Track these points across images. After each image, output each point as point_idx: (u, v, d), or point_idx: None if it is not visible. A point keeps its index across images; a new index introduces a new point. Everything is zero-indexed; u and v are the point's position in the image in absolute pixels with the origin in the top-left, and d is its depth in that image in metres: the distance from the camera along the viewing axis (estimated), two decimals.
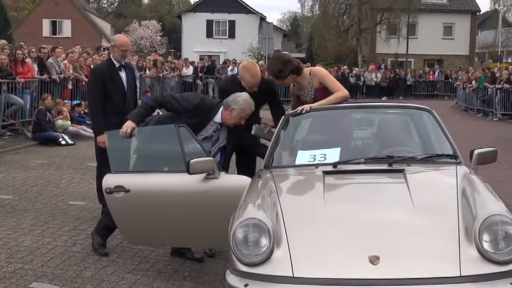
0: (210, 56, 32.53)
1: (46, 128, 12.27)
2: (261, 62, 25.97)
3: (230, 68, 24.72)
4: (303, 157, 4.55)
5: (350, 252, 3.30)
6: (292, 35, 66.58)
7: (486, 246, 3.21)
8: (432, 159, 4.43)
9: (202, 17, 47.50)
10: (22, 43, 14.43)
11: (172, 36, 57.52)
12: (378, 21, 45.62)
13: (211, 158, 4.53)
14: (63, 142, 12.21)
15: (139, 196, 4.58)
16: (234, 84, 5.52)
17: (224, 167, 4.93)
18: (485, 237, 3.23)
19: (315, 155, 4.51)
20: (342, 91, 5.19)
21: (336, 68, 32.97)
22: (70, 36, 46.66)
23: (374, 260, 3.21)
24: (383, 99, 29.96)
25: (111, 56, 6.14)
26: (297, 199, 4.01)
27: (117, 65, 5.99)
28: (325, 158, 4.45)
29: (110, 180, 4.67)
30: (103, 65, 6.50)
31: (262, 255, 3.36)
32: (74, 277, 4.78)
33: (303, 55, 50.79)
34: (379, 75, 34.24)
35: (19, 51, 12.79)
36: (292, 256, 3.32)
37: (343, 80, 29.84)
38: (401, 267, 3.19)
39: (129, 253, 5.39)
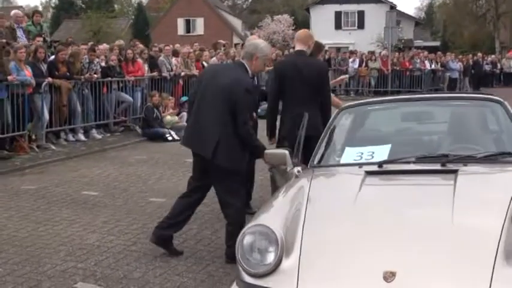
0: (338, 48, 32.05)
1: (154, 125, 12.58)
2: (383, 52, 25.12)
3: (351, 59, 24.09)
4: (350, 155, 4.16)
5: (364, 265, 2.89)
6: (427, 22, 63.92)
7: None
8: (496, 158, 3.84)
9: (331, 9, 46.93)
10: (138, 43, 15.01)
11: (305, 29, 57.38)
12: None
13: None
14: (170, 138, 12.42)
15: None
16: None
17: None
18: None
19: (362, 153, 4.11)
20: None
21: (471, 55, 30.92)
22: (203, 33, 48.06)
23: (388, 276, 2.78)
24: None
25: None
26: (326, 203, 3.62)
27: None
28: (373, 157, 4.03)
29: None
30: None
31: (269, 266, 3.05)
32: (121, 278, 4.72)
33: (438, 43, 48.61)
34: None
35: (129, 51, 13.23)
36: (301, 268, 2.98)
37: (477, 68, 28.08)
38: (418, 286, 2.74)
39: (187, 253, 5.26)
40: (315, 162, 4.26)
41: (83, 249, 5.39)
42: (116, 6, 60.60)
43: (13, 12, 12.36)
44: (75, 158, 10.35)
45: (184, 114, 12.91)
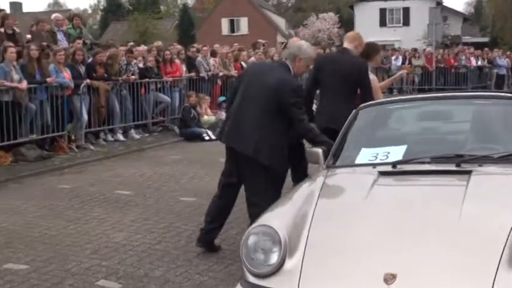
0: (383, 46, 31.66)
1: (191, 125, 12.71)
2: (428, 49, 24.69)
3: (394, 57, 23.77)
4: (365, 155, 4.12)
5: (366, 267, 2.88)
6: (476, 18, 62.53)
7: None
8: None
9: (375, 6, 46.51)
10: (175, 44, 15.21)
11: (350, 27, 57.01)
12: None
13: None
14: (207, 138, 12.51)
15: None
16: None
17: None
18: None
19: (377, 153, 4.07)
20: None
21: None
22: (247, 33, 48.17)
23: (389, 278, 2.77)
24: None
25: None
26: (335, 204, 3.63)
27: None
28: (388, 157, 3.98)
29: None
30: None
31: (272, 266, 3.06)
32: (142, 276, 4.80)
33: (486, 39, 47.41)
34: None
35: (167, 52, 13.40)
36: (303, 269, 2.98)
37: None
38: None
39: (209, 252, 5.30)
40: (331, 162, 4.24)
41: (109, 248, 5.50)
42: (161, 7, 61.35)
43: (53, 15, 12.70)
44: (113, 157, 10.55)
45: (223, 113, 12.99)
